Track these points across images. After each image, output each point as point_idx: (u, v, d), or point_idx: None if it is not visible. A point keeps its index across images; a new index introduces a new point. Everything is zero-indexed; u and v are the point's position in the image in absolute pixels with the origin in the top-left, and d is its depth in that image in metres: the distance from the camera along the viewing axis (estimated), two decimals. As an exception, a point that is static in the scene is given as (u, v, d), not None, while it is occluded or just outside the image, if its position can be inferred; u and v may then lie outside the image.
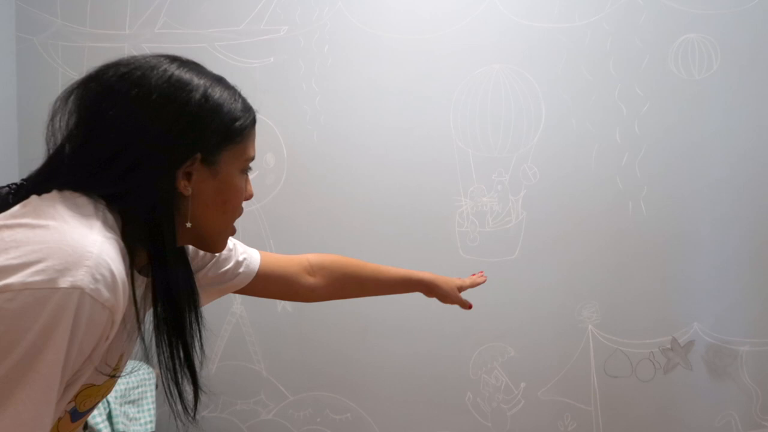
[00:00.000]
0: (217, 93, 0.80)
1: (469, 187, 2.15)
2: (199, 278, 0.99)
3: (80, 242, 0.65)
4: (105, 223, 0.71)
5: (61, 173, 0.75)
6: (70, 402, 0.78)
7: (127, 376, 2.09)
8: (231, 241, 1.04)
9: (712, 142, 2.00)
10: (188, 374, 0.85)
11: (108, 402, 2.00)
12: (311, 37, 2.25)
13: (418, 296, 2.19)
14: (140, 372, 2.16)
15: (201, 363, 0.85)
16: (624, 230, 2.05)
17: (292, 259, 1.17)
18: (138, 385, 2.12)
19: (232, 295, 2.30)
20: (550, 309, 2.10)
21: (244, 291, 1.10)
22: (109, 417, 2.01)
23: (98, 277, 0.64)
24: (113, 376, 0.82)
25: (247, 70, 2.26)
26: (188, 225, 0.79)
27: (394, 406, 2.22)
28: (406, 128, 2.19)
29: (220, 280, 1.04)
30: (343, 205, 2.24)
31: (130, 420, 2.07)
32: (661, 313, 2.04)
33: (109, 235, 0.70)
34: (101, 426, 1.96)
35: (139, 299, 0.78)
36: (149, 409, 2.14)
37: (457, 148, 2.16)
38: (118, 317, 0.68)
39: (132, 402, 2.10)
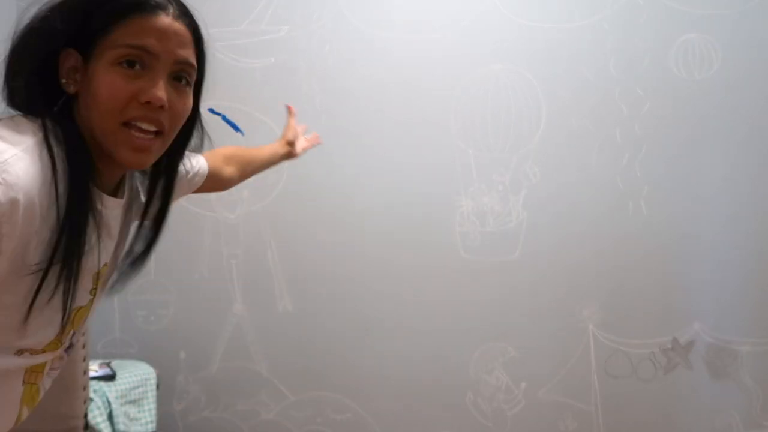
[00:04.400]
0: None
1: (469, 187, 2.15)
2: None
3: (7, 146, 0.69)
4: (40, 144, 0.72)
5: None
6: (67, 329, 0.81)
7: (129, 377, 2.09)
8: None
9: (712, 142, 2.00)
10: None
11: (109, 402, 2.00)
12: (312, 37, 2.25)
13: (418, 297, 2.19)
14: (141, 372, 2.16)
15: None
16: (624, 230, 2.05)
17: (215, 156, 1.20)
18: (139, 385, 2.12)
19: (232, 295, 2.31)
20: (551, 309, 2.10)
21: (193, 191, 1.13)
22: (110, 417, 2.01)
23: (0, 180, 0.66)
24: (93, 288, 0.83)
25: (248, 70, 2.26)
26: (55, 109, 0.76)
27: (395, 406, 2.22)
28: (406, 128, 2.19)
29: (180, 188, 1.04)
30: (344, 205, 2.24)
31: (131, 420, 2.07)
32: (662, 313, 2.04)
33: (34, 151, 0.71)
34: (102, 426, 1.97)
35: (110, 216, 0.82)
36: (150, 409, 2.14)
37: (458, 148, 2.16)
38: (9, 230, 0.68)
39: (133, 402, 2.10)
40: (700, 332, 2.02)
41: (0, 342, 0.76)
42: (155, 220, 0.91)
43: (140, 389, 2.13)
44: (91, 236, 0.78)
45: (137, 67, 0.76)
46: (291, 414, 2.30)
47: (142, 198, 0.92)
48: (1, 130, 0.72)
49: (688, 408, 2.03)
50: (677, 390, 2.04)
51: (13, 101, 0.79)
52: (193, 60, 0.83)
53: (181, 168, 0.96)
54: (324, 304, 2.26)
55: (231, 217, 2.31)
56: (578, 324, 2.09)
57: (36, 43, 0.78)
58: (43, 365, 0.85)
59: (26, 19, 0.79)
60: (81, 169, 0.75)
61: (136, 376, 2.13)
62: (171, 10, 0.79)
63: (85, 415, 1.83)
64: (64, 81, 0.77)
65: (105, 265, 0.84)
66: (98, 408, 1.95)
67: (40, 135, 0.74)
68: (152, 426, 2.14)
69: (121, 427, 2.02)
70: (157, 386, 2.21)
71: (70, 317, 0.78)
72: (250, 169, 1.37)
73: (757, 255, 1.98)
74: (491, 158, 2.14)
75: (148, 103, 0.76)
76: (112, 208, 0.83)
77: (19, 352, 0.79)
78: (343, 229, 2.24)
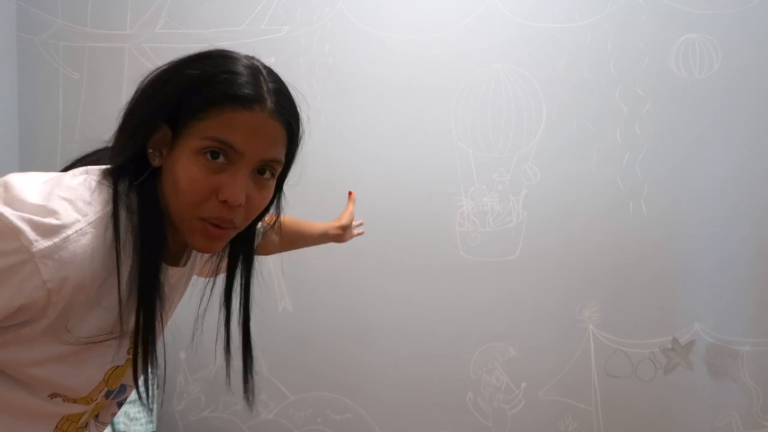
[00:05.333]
0: (208, 64, 0.75)
1: (469, 187, 2.15)
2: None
3: (75, 219, 0.70)
4: (108, 216, 0.73)
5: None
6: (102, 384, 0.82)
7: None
8: None
9: (712, 142, 2.00)
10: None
11: (109, 402, 2.00)
12: (312, 37, 2.25)
13: (417, 297, 2.19)
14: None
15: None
16: (625, 230, 2.05)
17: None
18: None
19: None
20: (551, 309, 2.10)
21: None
22: (110, 417, 2.01)
23: (56, 257, 0.67)
24: (131, 348, 0.84)
25: (248, 70, 2.25)
26: (135, 183, 0.76)
27: (395, 406, 2.22)
28: (406, 128, 2.19)
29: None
30: (344, 205, 2.23)
31: (131, 420, 2.07)
32: (662, 313, 2.04)
33: (100, 225, 0.72)
34: (102, 426, 1.96)
35: (167, 286, 0.82)
36: (150, 409, 2.14)
37: (458, 148, 2.16)
38: (57, 300, 0.69)
39: (133, 402, 2.10)
40: (701, 332, 2.02)
41: (34, 385, 0.77)
42: (243, 296, 0.91)
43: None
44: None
45: (221, 158, 0.74)
46: (291, 414, 2.30)
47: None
48: (78, 193, 0.73)
49: (688, 408, 2.03)
50: (677, 390, 2.04)
51: (112, 161, 0.79)
52: (281, 156, 0.80)
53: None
54: (324, 303, 2.26)
55: (231, 217, 2.31)
56: (578, 324, 2.09)
57: (137, 112, 0.77)
58: (78, 416, 0.85)
59: (140, 85, 0.78)
60: (152, 248, 0.76)
61: (136, 376, 2.13)
62: (268, 104, 0.75)
63: (85, 415, 1.83)
64: (150, 152, 0.76)
65: None
66: (98, 408, 1.95)
67: (111, 207, 0.74)
68: (152, 426, 2.14)
69: (121, 427, 2.02)
70: (158, 386, 2.21)
71: (147, 391, 0.81)
72: (297, 240, 1.35)
73: (757, 255, 1.98)
74: (491, 158, 2.14)
75: (225, 201, 0.75)
76: (172, 277, 0.84)
77: (53, 395, 0.79)
78: (343, 229, 2.23)
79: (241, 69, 0.75)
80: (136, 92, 0.78)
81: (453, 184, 2.16)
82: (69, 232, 0.69)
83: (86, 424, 0.89)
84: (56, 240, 0.67)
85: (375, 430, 2.23)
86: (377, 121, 2.21)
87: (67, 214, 0.69)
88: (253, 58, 0.79)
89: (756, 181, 1.98)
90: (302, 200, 2.30)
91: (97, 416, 0.90)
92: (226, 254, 0.90)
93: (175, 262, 0.85)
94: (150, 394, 0.82)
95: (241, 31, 2.27)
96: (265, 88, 0.75)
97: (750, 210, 1.98)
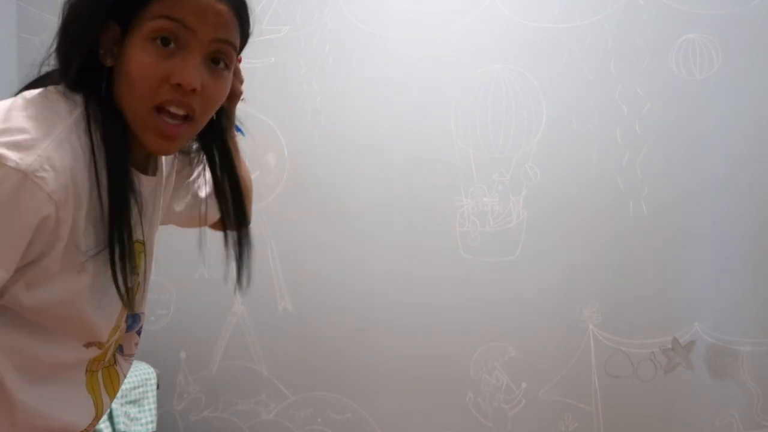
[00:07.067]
0: None
1: (469, 187, 2.15)
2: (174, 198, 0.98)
3: (46, 130, 0.68)
4: (75, 125, 0.72)
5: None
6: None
7: (129, 377, 2.09)
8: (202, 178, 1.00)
9: (713, 142, 2.00)
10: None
11: (109, 402, 2.00)
12: (312, 37, 2.25)
13: (418, 297, 2.19)
14: (141, 372, 2.16)
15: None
16: (625, 230, 2.05)
17: None
18: (139, 385, 2.12)
19: (232, 295, 2.31)
20: (551, 309, 2.10)
21: (209, 224, 1.10)
22: (110, 417, 2.01)
23: (47, 167, 0.66)
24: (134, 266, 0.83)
25: (248, 70, 2.24)
26: (98, 91, 0.75)
27: (395, 406, 2.22)
28: (406, 128, 2.19)
29: (192, 202, 1.03)
30: (344, 205, 2.24)
31: (131, 420, 2.07)
32: (662, 313, 2.04)
33: (71, 135, 0.70)
34: (102, 426, 1.97)
35: (147, 195, 0.82)
36: (150, 409, 2.14)
37: (458, 148, 2.16)
38: (65, 215, 0.68)
39: (133, 402, 2.10)
40: (701, 332, 2.02)
41: (69, 336, 0.78)
42: (231, 188, 0.90)
43: (140, 389, 2.13)
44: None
45: (172, 45, 0.73)
46: (291, 414, 2.30)
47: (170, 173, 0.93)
48: (36, 114, 0.70)
49: (689, 408, 2.03)
50: (678, 390, 2.04)
51: (65, 76, 0.77)
52: (234, 40, 0.79)
53: (202, 193, 0.98)
54: (324, 304, 2.26)
55: (231, 217, 2.31)
56: (578, 324, 2.09)
57: (81, 15, 0.76)
58: (104, 353, 0.85)
59: None
60: (120, 151, 0.74)
61: (136, 376, 2.13)
62: None
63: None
64: (102, 52, 0.75)
65: (138, 241, 0.83)
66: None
67: (76, 114, 0.73)
68: (152, 426, 2.14)
69: (121, 427, 2.02)
70: (157, 386, 2.21)
71: (128, 296, 0.77)
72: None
73: (758, 255, 1.98)
74: (491, 158, 2.14)
75: (179, 85, 0.73)
76: (146, 186, 0.83)
77: (88, 345, 0.80)
78: (343, 229, 2.24)
79: None
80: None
81: (453, 184, 2.16)
82: (46, 142, 0.67)
83: (114, 360, 0.89)
84: (39, 152, 0.66)
85: (375, 430, 2.23)
86: (377, 121, 2.21)
87: (35, 128, 0.68)
88: None
89: (756, 181, 1.98)
90: (302, 200, 2.31)
91: (122, 351, 0.91)
92: (206, 203, 0.92)
93: (145, 170, 0.84)
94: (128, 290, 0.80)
95: (241, 31, 2.27)
96: None
97: (750, 209, 1.98)
